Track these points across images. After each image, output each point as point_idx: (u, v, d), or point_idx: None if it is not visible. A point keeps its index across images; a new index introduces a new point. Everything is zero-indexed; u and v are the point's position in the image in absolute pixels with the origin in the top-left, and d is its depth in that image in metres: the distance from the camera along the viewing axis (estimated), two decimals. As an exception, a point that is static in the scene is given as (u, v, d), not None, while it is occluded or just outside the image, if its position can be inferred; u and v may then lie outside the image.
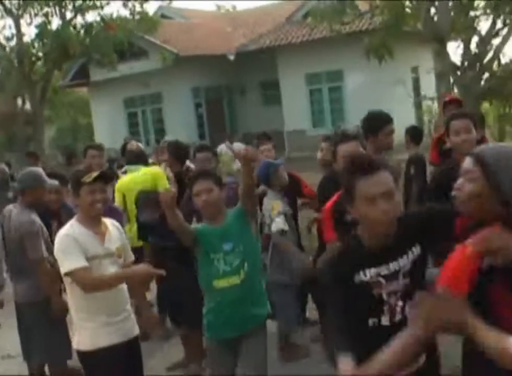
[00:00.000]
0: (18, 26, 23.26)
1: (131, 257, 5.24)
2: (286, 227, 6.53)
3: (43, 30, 22.67)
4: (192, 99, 30.97)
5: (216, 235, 4.87)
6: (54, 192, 6.75)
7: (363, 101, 25.11)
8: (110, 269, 4.89)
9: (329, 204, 4.95)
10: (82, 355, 4.97)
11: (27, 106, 25.55)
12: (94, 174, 4.84)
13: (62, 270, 4.74)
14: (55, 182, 6.77)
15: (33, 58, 23.37)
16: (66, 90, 36.12)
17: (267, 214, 6.63)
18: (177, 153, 8.00)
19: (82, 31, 23.51)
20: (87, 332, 4.88)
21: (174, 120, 30.10)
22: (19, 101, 24.77)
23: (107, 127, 33.75)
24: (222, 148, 14.02)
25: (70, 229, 4.87)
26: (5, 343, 7.99)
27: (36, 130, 23.62)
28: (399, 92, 26.65)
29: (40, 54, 23.84)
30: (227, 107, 32.59)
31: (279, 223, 6.49)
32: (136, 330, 5.13)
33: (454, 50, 19.65)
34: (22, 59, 22.65)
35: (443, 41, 14.22)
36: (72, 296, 4.91)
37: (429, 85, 30.51)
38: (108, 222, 5.12)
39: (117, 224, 5.24)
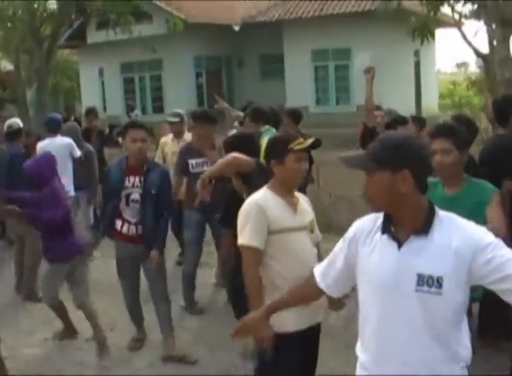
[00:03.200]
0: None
1: (319, 237, 4.73)
2: None
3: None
4: (193, 68, 30.34)
5: None
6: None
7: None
8: (303, 243, 4.44)
9: None
10: None
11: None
12: (308, 141, 4.46)
13: (238, 239, 4.37)
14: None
15: (44, 14, 22.45)
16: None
17: None
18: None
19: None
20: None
21: (174, 89, 29.48)
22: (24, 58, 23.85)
23: (99, 91, 32.99)
24: None
25: (262, 197, 4.41)
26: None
27: (40, 90, 22.76)
28: (402, 75, 26.55)
29: (53, 9, 22.94)
30: (225, 79, 32.00)
31: None
32: (321, 316, 4.61)
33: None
34: (33, 12, 21.74)
35: (510, 25, 13.81)
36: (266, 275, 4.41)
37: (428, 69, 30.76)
38: (297, 193, 4.64)
39: (305, 197, 4.77)
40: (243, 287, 4.61)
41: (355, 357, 3.17)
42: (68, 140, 9.68)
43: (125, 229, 6.41)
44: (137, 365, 6.40)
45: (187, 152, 7.85)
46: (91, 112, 12.81)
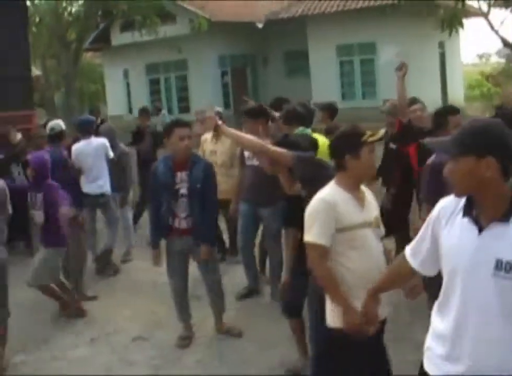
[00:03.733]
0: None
1: (382, 231, 4.68)
2: None
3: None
4: (218, 67, 30.30)
5: None
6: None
7: (394, 74, 24.69)
8: (370, 239, 4.40)
9: None
10: (330, 331, 4.44)
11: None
12: (380, 132, 4.47)
13: (305, 236, 4.35)
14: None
15: (70, 18, 22.58)
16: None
17: None
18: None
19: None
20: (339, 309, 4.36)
21: (199, 88, 29.46)
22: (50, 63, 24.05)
23: (124, 93, 33.09)
24: None
25: (330, 193, 4.36)
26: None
27: (68, 93, 22.89)
28: (427, 67, 26.38)
29: (80, 11, 23.06)
30: (250, 77, 31.93)
31: None
32: (387, 311, 4.57)
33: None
34: (59, 17, 21.87)
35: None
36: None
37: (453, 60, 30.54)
38: (363, 187, 4.59)
39: (370, 191, 4.72)
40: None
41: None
42: (103, 141, 9.66)
43: (176, 223, 6.51)
44: (186, 362, 6.39)
45: None
46: (143, 112, 12.76)
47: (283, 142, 5.35)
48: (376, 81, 26.93)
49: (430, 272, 3.32)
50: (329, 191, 4.38)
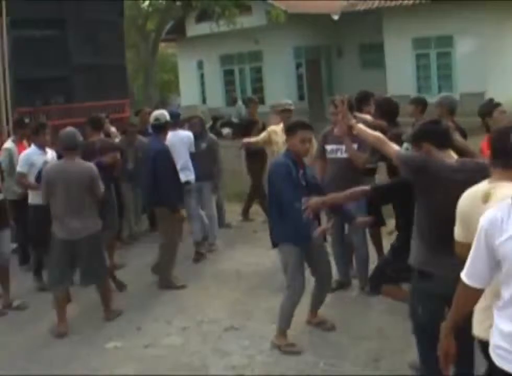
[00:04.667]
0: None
1: None
2: None
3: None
4: (293, 59, 30.27)
5: None
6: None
7: (471, 68, 24.45)
8: None
9: None
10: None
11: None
12: None
13: (455, 235, 4.06)
14: None
15: (150, 9, 22.82)
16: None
17: None
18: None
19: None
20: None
21: (274, 80, 29.49)
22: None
23: (197, 84, 33.33)
24: None
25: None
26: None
27: (146, 83, 23.17)
28: (507, 60, 25.87)
29: (159, 3, 23.30)
30: (324, 69, 31.80)
31: None
32: None
33: None
34: (139, 7, 22.14)
35: None
36: None
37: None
38: None
39: None
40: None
41: None
42: (188, 133, 9.79)
43: None
44: (279, 353, 6.41)
45: (326, 137, 7.88)
46: (251, 101, 12.65)
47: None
48: (453, 74, 26.56)
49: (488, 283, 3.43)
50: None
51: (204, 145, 10.08)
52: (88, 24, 12.95)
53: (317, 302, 6.89)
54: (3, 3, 11.20)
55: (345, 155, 7.55)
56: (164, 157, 8.44)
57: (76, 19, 12.81)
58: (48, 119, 10.31)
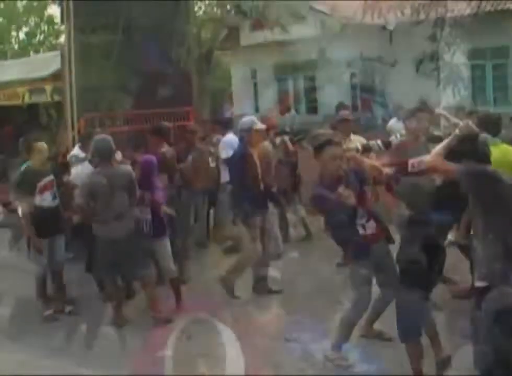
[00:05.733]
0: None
1: None
2: None
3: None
4: (347, 69, 29.99)
5: None
6: None
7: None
8: None
9: None
10: None
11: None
12: None
13: None
14: None
15: (205, 17, 23.02)
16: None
17: None
18: None
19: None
20: None
21: (327, 90, 29.29)
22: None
23: (251, 93, 33.42)
24: None
25: None
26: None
27: (201, 92, 23.29)
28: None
29: (213, 13, 23.48)
30: (379, 79, 31.54)
31: None
32: None
33: None
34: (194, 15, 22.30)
35: None
36: None
37: None
38: None
39: None
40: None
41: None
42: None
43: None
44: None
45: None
46: (341, 107, 13.10)
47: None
48: (509, 86, 26.24)
49: None
50: None
51: None
52: (153, 30, 13.04)
53: (376, 314, 6.80)
54: (70, 8, 11.25)
55: None
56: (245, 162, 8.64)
57: (143, 24, 12.88)
58: (113, 126, 10.39)
